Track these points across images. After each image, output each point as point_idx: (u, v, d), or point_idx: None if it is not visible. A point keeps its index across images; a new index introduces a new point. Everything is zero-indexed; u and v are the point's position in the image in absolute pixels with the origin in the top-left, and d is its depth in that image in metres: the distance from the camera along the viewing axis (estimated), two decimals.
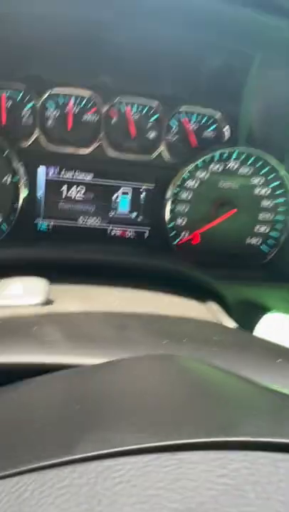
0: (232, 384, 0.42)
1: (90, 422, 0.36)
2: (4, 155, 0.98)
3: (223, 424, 0.32)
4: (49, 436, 0.34)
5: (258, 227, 1.09)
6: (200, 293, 0.87)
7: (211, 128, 1.05)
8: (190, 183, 1.05)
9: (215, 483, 0.27)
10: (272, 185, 1.05)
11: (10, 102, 0.98)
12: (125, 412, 0.37)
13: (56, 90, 0.98)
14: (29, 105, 0.98)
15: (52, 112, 1.00)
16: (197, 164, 1.03)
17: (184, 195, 1.05)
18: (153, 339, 0.52)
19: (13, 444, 0.34)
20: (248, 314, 0.98)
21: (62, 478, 0.30)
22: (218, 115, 1.04)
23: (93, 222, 1.05)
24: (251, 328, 1.04)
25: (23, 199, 1.00)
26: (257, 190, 1.06)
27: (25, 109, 0.99)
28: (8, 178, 0.99)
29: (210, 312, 0.75)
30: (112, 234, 1.06)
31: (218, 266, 1.06)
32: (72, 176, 1.03)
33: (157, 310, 0.64)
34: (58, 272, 0.74)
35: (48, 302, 0.59)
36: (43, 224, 1.04)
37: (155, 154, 1.03)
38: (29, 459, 0.31)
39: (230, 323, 0.72)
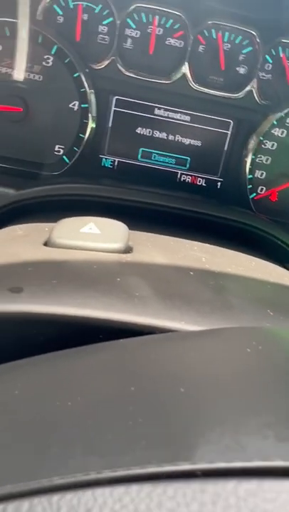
0: None
1: (204, 413, 0.27)
2: (75, 76, 0.86)
3: None
4: (146, 428, 0.25)
5: None
6: (277, 256, 0.77)
7: None
8: (278, 132, 0.91)
9: None
10: None
11: (87, 15, 0.85)
12: (251, 402, 0.28)
13: (140, 5, 0.85)
14: (108, 20, 0.86)
15: (132, 31, 0.87)
16: None
17: (269, 144, 0.92)
18: (257, 308, 0.43)
19: (89, 427, 0.25)
20: None
21: (190, 498, 0.21)
22: None
23: (163, 163, 0.94)
24: None
25: (91, 130, 0.89)
26: None
27: (103, 24, 0.86)
28: (76, 104, 0.88)
29: None
30: (182, 180, 0.95)
31: None
32: (147, 109, 0.91)
33: (249, 272, 0.55)
34: (122, 215, 0.64)
35: (128, 249, 0.50)
36: (108, 160, 0.93)
37: (243, 93, 0.89)
38: (112, 461, 0.22)
39: None
